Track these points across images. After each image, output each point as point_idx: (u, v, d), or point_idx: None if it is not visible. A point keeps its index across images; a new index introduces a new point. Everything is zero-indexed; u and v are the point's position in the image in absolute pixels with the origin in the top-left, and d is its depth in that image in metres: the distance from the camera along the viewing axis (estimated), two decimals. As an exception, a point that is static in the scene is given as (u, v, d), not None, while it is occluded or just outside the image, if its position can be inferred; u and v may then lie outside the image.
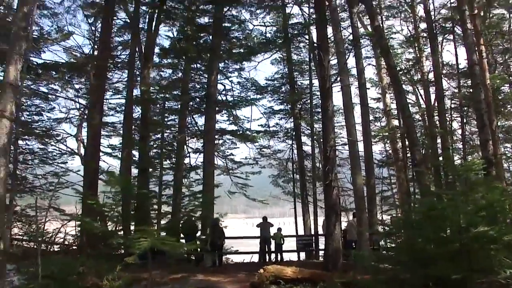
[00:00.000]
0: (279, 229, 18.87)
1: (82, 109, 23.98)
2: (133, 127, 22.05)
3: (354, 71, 21.30)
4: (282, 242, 18.57)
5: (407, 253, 9.13)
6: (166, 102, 24.05)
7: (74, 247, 18.35)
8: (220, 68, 23.10)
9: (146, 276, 13.13)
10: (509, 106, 24.57)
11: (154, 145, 25.34)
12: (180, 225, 17.84)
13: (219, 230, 17.03)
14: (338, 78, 15.41)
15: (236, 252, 21.79)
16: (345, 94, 14.92)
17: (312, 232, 22.08)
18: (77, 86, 24.62)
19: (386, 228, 23.56)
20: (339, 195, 13.77)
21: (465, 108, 24.00)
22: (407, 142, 24.49)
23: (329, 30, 16.10)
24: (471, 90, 23.32)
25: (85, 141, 21.51)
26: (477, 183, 9.90)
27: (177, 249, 6.83)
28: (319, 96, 25.02)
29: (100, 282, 11.62)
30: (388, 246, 17.28)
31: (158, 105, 24.48)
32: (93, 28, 24.19)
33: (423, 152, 24.60)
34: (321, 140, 26.51)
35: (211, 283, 12.59)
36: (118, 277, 11.54)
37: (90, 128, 19.77)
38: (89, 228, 12.46)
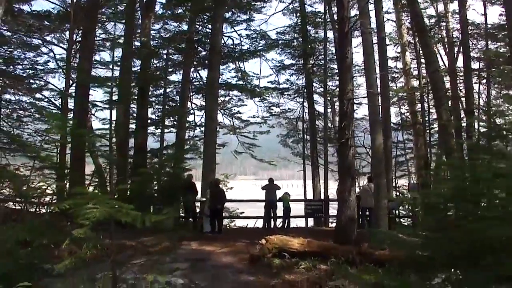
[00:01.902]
0: (286, 193, 16.86)
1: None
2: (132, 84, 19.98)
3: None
4: (289, 205, 16.65)
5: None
6: (170, 57, 22.17)
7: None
8: (227, 17, 20.78)
9: (134, 243, 11.50)
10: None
11: (156, 101, 23.50)
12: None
13: (220, 193, 15.00)
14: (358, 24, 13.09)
15: (239, 217, 19.99)
16: (365, 40, 12.70)
17: (322, 197, 20.13)
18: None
19: (401, 194, 21.97)
20: (355, 157, 11.55)
21: (493, 69, 21.47)
22: (426, 104, 22.54)
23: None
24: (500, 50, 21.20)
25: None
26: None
27: (138, 220, 4.64)
28: (333, 53, 22.99)
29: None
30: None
31: (160, 59, 22.55)
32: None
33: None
34: (332, 98, 24.79)
35: (204, 254, 10.68)
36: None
37: (79, 87, 17.40)
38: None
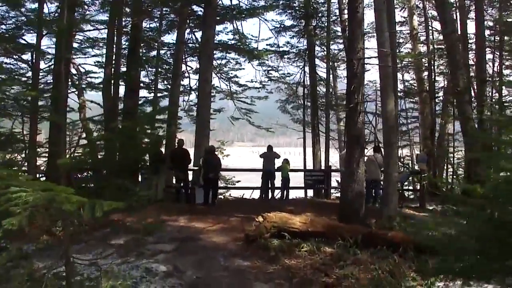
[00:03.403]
0: (286, 160, 15.36)
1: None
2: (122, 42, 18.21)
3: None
4: (288, 176, 15.21)
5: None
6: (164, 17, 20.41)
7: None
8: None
9: (116, 219, 10.08)
10: None
11: (149, 64, 21.82)
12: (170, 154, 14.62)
13: (214, 160, 13.51)
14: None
15: (234, 187, 18.58)
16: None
17: (323, 167, 18.71)
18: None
19: (406, 166, 20.60)
20: (365, 123, 10.04)
21: (506, 38, 19.73)
22: (433, 71, 20.94)
23: None
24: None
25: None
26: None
27: (86, 208, 3.14)
28: (337, 14, 21.22)
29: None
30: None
31: (153, 19, 20.78)
32: None
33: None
34: (335, 63, 23.13)
35: (194, 232, 9.24)
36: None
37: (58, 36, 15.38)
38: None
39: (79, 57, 20.24)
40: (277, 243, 8.19)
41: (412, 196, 17.06)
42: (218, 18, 17.68)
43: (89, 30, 18.95)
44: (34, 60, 14.71)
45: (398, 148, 20.18)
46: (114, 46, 16.98)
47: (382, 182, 13.52)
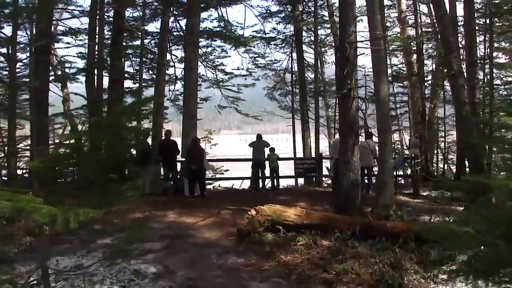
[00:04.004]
0: (272, 150, 14.86)
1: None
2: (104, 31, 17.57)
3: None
4: (277, 165, 14.76)
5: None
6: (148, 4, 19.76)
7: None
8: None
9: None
10: None
11: (133, 54, 21.21)
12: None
13: (196, 152, 12.94)
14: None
15: (223, 178, 18.11)
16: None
17: (313, 154, 18.31)
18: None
19: (396, 151, 20.29)
20: (358, 109, 9.61)
21: (495, 20, 19.33)
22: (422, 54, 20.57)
23: None
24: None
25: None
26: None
27: (59, 219, 2.66)
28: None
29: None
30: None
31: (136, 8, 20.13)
32: None
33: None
34: (322, 48, 22.65)
35: (184, 228, 8.77)
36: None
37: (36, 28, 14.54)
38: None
39: (60, 48, 19.52)
40: (271, 238, 7.80)
41: (403, 182, 16.75)
42: (202, 5, 17.09)
43: (68, 18, 18.02)
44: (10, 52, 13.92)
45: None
46: (97, 35, 16.40)
47: (375, 169, 13.25)
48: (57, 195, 3.49)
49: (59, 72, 19.16)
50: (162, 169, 14.53)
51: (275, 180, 14.77)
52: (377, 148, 12.81)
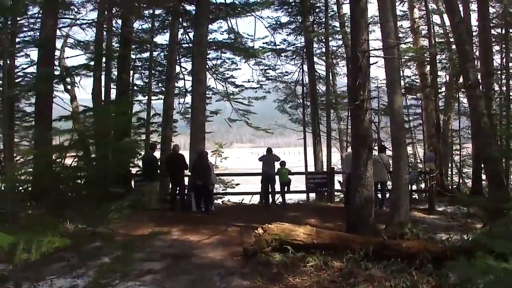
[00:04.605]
0: (283, 163, 14.30)
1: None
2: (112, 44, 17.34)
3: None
4: (288, 180, 14.23)
5: None
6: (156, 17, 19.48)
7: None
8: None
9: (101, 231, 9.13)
10: None
11: (141, 66, 21.01)
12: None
13: (203, 166, 12.43)
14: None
15: (233, 193, 17.61)
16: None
17: (325, 168, 17.76)
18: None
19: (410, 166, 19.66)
20: (372, 122, 9.08)
21: (510, 30, 18.75)
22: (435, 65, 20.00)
23: None
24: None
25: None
26: None
27: (20, 248, 2.20)
28: (335, 10, 20.37)
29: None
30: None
31: (145, 20, 19.89)
32: None
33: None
34: (334, 59, 22.19)
35: (187, 246, 8.29)
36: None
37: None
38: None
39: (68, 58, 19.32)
40: (279, 258, 7.27)
41: (417, 197, 16.10)
42: (211, 16, 16.78)
43: (69, 26, 17.62)
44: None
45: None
46: (105, 48, 16.14)
47: (388, 184, 12.72)
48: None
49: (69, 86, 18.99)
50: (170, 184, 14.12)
51: (284, 195, 14.25)
52: (390, 162, 12.30)
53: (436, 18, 21.55)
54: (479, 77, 14.81)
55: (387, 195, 12.83)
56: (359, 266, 7.00)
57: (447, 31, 20.53)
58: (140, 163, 14.02)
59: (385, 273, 6.78)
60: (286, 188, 14.18)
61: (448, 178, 20.06)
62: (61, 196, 4.67)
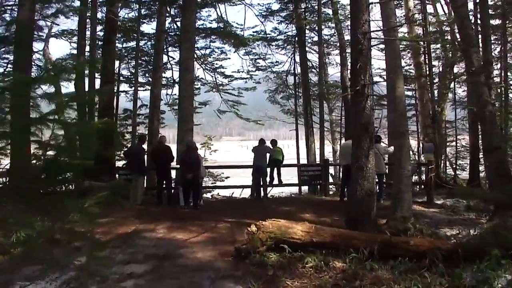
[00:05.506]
0: (274, 142, 14.07)
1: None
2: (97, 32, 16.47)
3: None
4: (281, 158, 13.72)
5: None
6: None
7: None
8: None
9: (84, 229, 8.35)
10: None
11: (128, 56, 20.19)
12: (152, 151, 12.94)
13: (192, 159, 11.53)
14: None
15: (223, 186, 16.85)
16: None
17: (318, 160, 17.04)
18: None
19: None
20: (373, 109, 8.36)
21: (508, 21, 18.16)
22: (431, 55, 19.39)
23: None
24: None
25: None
26: None
27: None
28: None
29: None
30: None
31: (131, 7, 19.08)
32: None
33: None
34: (326, 48, 21.44)
35: (174, 246, 7.46)
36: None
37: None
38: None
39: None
40: (275, 258, 6.51)
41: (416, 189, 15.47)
42: (200, 1, 15.97)
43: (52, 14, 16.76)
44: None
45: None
46: (89, 35, 15.34)
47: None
48: None
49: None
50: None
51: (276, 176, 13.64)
52: (388, 150, 11.66)
53: (429, 8, 20.94)
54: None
55: (384, 187, 12.19)
56: (363, 267, 6.27)
57: (441, 20, 19.96)
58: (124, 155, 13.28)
59: (392, 274, 6.07)
60: (276, 169, 13.59)
61: (442, 170, 19.48)
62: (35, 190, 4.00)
